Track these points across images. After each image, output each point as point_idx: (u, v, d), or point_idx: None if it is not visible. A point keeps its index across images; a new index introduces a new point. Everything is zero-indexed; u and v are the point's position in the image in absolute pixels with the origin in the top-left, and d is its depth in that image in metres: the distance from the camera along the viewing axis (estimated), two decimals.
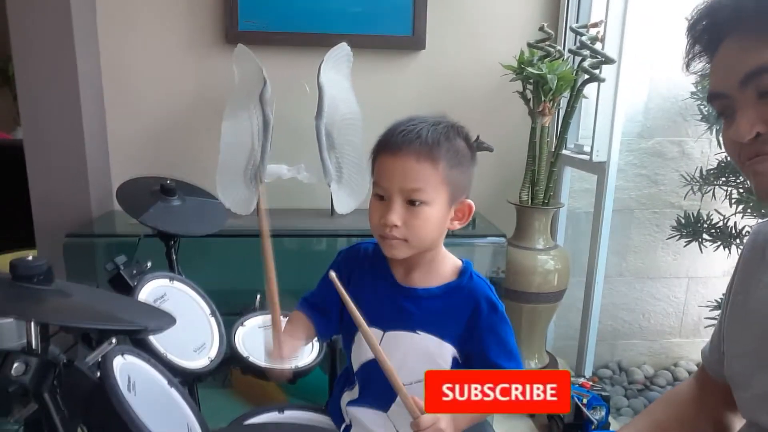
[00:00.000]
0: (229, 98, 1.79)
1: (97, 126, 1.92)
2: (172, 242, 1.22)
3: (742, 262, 0.80)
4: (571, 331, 2.26)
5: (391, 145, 0.85)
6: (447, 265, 0.94)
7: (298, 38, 1.93)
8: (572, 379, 1.82)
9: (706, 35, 0.66)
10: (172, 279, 1.10)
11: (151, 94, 1.98)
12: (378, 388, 0.90)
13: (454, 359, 0.91)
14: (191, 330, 1.06)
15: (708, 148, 2.24)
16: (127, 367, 0.76)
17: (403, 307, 0.91)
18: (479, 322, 0.89)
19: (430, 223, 0.85)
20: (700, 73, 0.71)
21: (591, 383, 1.76)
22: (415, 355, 0.89)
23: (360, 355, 0.94)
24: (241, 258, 1.63)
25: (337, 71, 1.80)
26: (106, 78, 1.95)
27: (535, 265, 1.88)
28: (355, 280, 0.96)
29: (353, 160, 1.82)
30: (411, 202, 0.84)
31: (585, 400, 1.68)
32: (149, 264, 1.09)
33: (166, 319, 0.73)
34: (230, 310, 1.31)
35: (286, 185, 1.86)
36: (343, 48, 1.79)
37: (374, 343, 0.79)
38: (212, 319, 1.13)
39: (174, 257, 1.22)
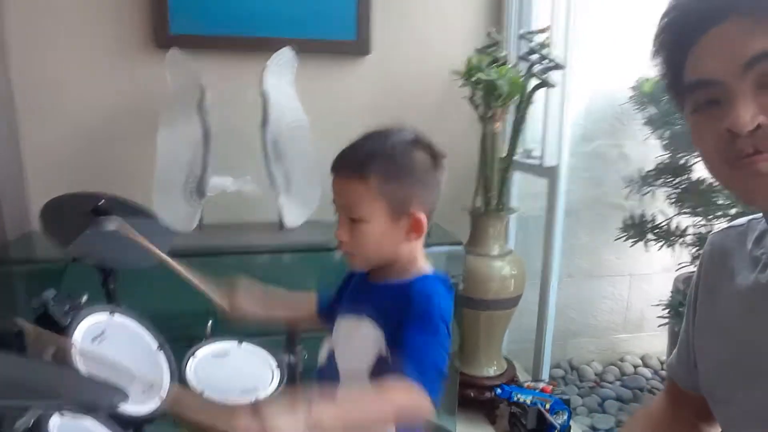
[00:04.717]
0: (165, 107, 1.65)
1: (8, 139, 1.72)
2: (110, 268, 1.09)
3: (702, 273, 0.80)
4: (524, 334, 2.26)
5: (333, 164, 0.89)
6: (412, 270, 0.92)
7: (235, 42, 1.82)
8: (532, 384, 1.83)
9: (688, 21, 0.62)
10: (112, 312, 0.97)
11: (73, 103, 1.80)
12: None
13: (380, 359, 0.87)
14: (138, 369, 0.93)
15: (645, 151, 2.32)
16: (67, 427, 0.64)
17: (361, 297, 0.94)
18: (404, 320, 0.85)
19: (370, 239, 0.87)
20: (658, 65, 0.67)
21: (551, 387, 1.76)
22: (357, 338, 0.90)
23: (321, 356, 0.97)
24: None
25: (280, 77, 1.70)
26: (18, 88, 1.75)
27: (491, 272, 1.86)
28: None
29: (302, 169, 1.73)
30: (352, 219, 0.86)
31: (548, 405, 1.68)
32: (85, 297, 0.95)
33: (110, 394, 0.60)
34: (178, 338, 1.18)
35: (230, 199, 1.74)
36: (286, 53, 1.70)
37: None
38: (161, 354, 1.01)
39: (112, 286, 1.08)
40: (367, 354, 0.87)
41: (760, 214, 0.71)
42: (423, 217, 0.88)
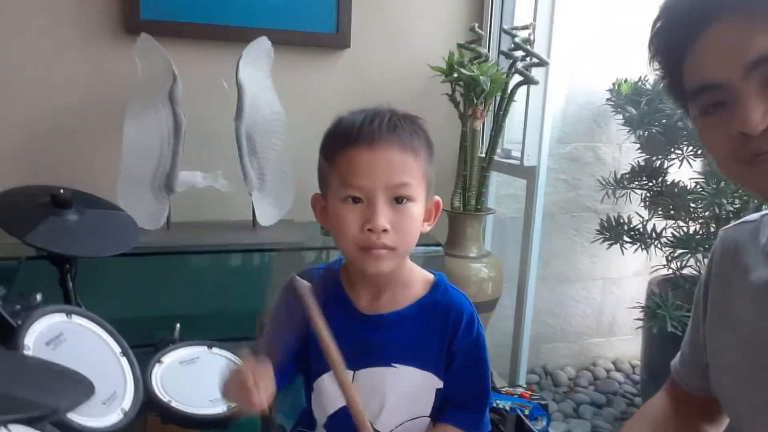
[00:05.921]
0: (132, 95, 1.55)
1: None
2: (68, 266, 0.99)
3: (714, 270, 0.78)
4: (498, 339, 2.23)
5: (365, 136, 0.72)
6: (417, 280, 0.82)
7: (210, 30, 1.73)
8: (510, 389, 1.79)
9: (680, 24, 0.60)
10: (70, 313, 0.88)
11: (30, 91, 1.67)
12: None
13: (439, 392, 0.81)
14: (98, 377, 0.84)
15: (618, 154, 2.34)
16: None
17: (372, 339, 0.78)
18: (455, 346, 0.79)
19: (415, 223, 0.75)
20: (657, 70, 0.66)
21: (530, 393, 1.72)
22: (396, 393, 0.77)
23: (326, 405, 0.81)
24: (153, 280, 1.40)
25: (257, 68, 1.62)
26: None
27: (469, 274, 1.82)
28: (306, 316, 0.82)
29: (277, 166, 1.65)
30: (397, 200, 0.73)
31: (527, 411, 1.64)
32: (39, 297, 0.86)
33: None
34: (143, 342, 1.10)
35: (201, 195, 1.65)
36: (263, 42, 1.62)
37: (346, 386, 0.66)
38: (124, 360, 0.92)
39: (70, 285, 0.99)
40: (425, 402, 0.79)
41: None
42: (439, 200, 0.82)
